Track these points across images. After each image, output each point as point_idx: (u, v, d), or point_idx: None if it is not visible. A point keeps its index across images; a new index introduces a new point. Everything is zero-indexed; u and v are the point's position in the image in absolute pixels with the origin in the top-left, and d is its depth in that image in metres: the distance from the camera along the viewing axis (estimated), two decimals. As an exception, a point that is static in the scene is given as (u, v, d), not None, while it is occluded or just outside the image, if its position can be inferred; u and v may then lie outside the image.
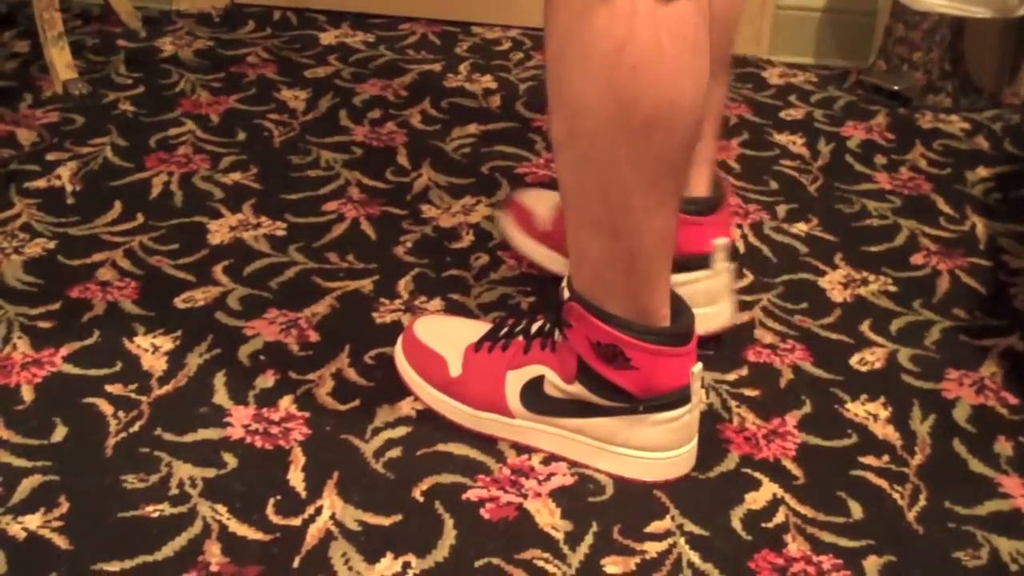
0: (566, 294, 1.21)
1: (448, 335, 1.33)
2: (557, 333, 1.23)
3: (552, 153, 1.19)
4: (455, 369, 1.29)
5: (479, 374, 1.28)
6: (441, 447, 1.27)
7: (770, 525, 1.19)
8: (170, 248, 1.59)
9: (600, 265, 1.17)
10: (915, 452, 1.29)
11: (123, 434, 1.26)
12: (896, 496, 1.23)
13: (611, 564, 1.13)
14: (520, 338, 1.28)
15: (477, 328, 1.33)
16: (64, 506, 1.17)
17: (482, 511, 1.19)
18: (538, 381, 1.25)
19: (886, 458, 1.28)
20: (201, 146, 1.86)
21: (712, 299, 1.40)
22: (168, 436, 1.26)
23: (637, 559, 1.14)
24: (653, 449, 1.23)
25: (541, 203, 1.57)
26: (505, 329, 1.29)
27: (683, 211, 1.20)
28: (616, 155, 1.10)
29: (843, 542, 1.17)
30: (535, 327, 1.27)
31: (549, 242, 1.53)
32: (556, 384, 1.24)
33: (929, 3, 2.03)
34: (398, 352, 1.36)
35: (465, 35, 2.34)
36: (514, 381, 1.27)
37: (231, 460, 1.23)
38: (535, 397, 1.26)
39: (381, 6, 2.39)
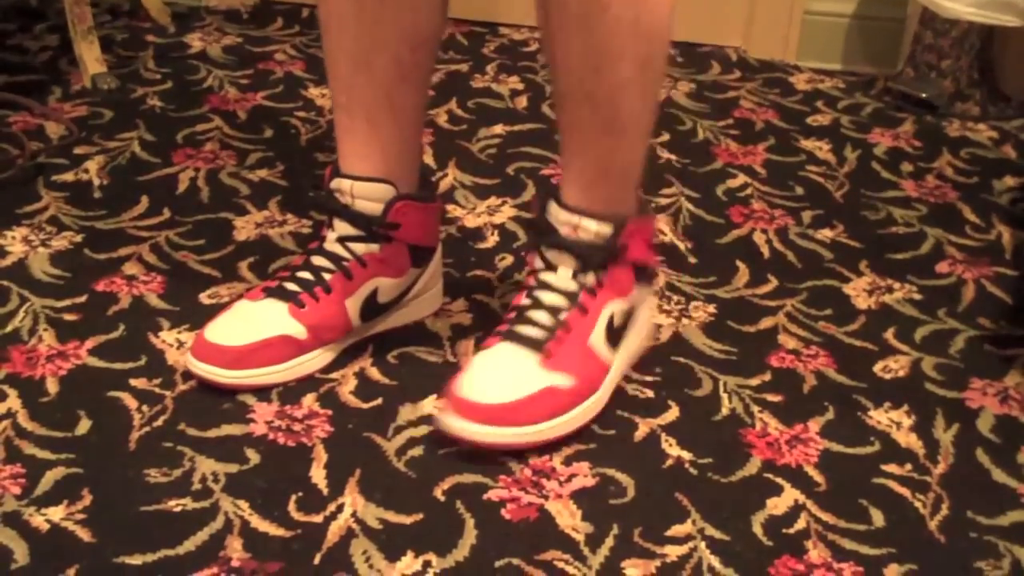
0: (594, 234, 1.30)
1: (507, 377, 1.28)
2: (600, 273, 1.32)
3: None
4: (564, 382, 1.28)
5: (580, 365, 1.29)
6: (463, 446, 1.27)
7: (791, 531, 1.18)
8: (196, 243, 1.60)
9: (641, 168, 1.34)
10: (938, 461, 1.29)
11: (147, 428, 1.27)
12: (918, 505, 1.23)
13: (631, 567, 1.13)
14: (570, 313, 1.30)
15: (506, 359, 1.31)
16: (87, 499, 1.17)
17: (503, 511, 1.19)
18: (610, 322, 1.33)
19: (909, 466, 1.28)
20: (228, 142, 1.87)
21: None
22: (191, 431, 1.27)
23: (657, 562, 1.14)
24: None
25: None
26: (533, 329, 1.30)
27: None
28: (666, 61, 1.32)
29: (864, 550, 1.17)
30: (567, 291, 1.31)
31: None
32: (622, 311, 1.35)
33: (958, 11, 2.02)
34: (483, 429, 1.25)
35: (492, 36, 2.34)
36: (598, 341, 1.32)
37: (254, 456, 1.24)
38: (613, 336, 1.34)
39: (409, 5, 2.39)
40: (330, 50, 1.35)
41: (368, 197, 1.34)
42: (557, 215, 1.30)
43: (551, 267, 1.32)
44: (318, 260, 1.36)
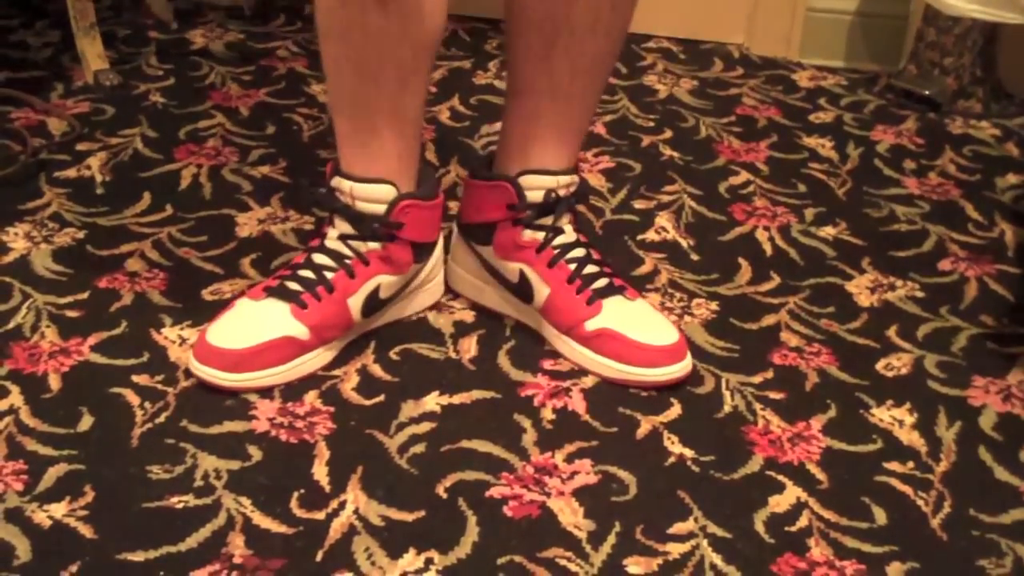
0: (578, 183, 1.42)
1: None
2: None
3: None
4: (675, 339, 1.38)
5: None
6: (465, 443, 1.27)
7: (793, 529, 1.18)
8: (198, 240, 1.60)
9: None
10: (940, 459, 1.29)
11: (149, 425, 1.27)
12: (920, 503, 1.23)
13: (633, 564, 1.13)
14: (587, 251, 1.43)
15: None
16: (89, 495, 1.17)
17: (505, 509, 1.19)
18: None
19: (911, 464, 1.28)
20: (230, 139, 1.87)
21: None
22: (194, 428, 1.27)
23: (660, 560, 1.14)
24: None
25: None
26: (605, 278, 1.41)
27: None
28: None
29: (866, 548, 1.17)
30: (578, 241, 1.43)
31: None
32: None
33: (961, 8, 2.02)
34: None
35: (495, 32, 2.34)
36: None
37: (256, 453, 1.24)
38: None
39: (411, 2, 2.39)
40: (334, 60, 1.32)
41: (369, 198, 1.34)
42: (559, 182, 1.40)
43: (559, 231, 1.42)
44: (320, 258, 1.36)
